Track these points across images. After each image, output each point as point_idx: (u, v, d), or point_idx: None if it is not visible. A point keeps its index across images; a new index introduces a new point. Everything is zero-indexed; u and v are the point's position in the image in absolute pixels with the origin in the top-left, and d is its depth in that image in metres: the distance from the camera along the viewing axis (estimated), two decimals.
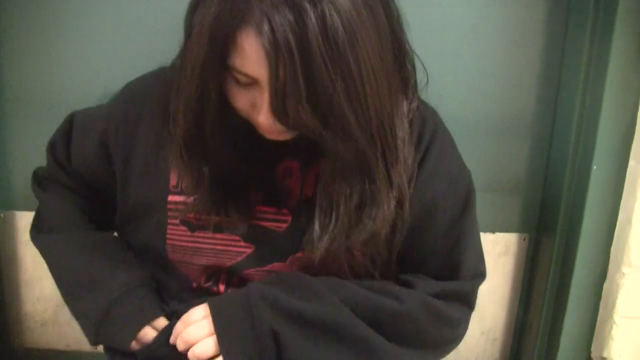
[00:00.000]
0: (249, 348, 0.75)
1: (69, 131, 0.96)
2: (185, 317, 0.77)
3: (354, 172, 0.72)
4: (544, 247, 1.57)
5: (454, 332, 0.92)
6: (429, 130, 0.86)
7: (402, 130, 0.77)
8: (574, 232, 1.43)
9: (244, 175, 0.81)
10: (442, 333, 0.89)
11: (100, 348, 1.67)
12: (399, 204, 0.79)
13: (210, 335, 0.76)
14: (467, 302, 0.93)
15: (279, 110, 0.65)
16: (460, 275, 0.90)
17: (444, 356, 0.92)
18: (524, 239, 1.62)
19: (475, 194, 0.93)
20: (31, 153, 1.48)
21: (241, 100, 0.71)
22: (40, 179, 1.01)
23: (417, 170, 0.83)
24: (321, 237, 0.77)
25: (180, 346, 0.77)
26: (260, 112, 0.68)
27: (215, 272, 0.89)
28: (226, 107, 0.72)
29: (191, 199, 0.82)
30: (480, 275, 0.95)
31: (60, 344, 1.72)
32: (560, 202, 1.46)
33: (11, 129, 1.48)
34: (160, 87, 0.84)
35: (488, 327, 1.72)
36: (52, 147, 0.98)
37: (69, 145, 0.95)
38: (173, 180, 0.84)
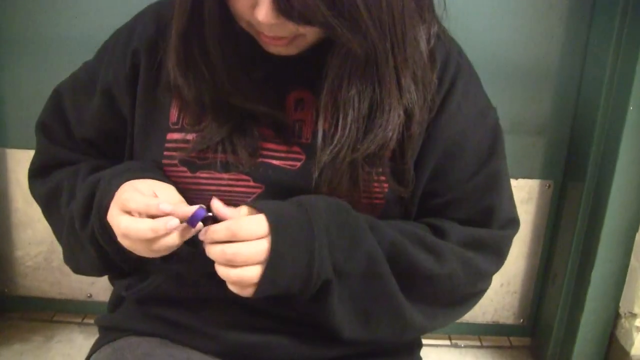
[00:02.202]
0: (295, 288, 0.69)
1: (59, 105, 0.91)
2: (238, 226, 0.66)
3: (364, 72, 0.70)
4: (570, 195, 1.53)
5: (485, 286, 0.87)
6: (453, 62, 0.81)
7: (417, 45, 0.74)
8: (605, 179, 1.37)
9: (250, 106, 0.76)
10: (474, 289, 0.85)
11: (96, 296, 1.71)
12: (409, 116, 0.74)
13: (260, 263, 0.66)
14: (500, 252, 0.87)
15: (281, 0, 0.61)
16: (492, 221, 0.84)
17: (467, 311, 0.87)
18: (549, 186, 1.58)
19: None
20: (23, 90, 1.48)
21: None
22: (37, 171, 0.93)
23: (442, 103, 0.79)
24: (324, 148, 0.72)
25: (219, 257, 0.67)
26: (261, 7, 0.63)
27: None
28: (226, 13, 0.69)
29: (192, 136, 0.77)
30: (514, 222, 0.89)
31: (53, 292, 1.72)
32: (590, 146, 1.40)
33: (2, 67, 1.47)
34: (152, 14, 0.83)
35: (508, 278, 1.68)
36: (43, 129, 0.92)
37: (65, 118, 0.90)
38: (173, 117, 0.79)
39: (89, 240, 0.77)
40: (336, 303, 0.71)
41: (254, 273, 0.66)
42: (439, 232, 0.82)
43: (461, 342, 1.73)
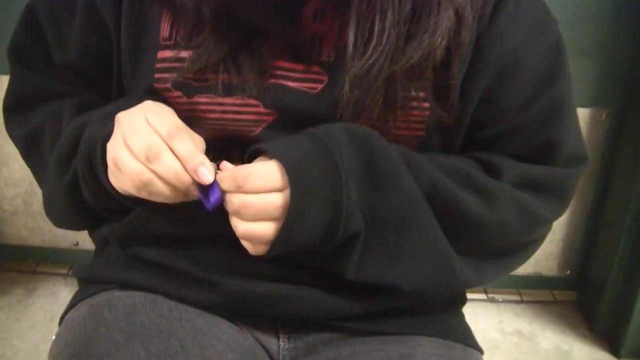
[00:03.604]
0: (316, 244, 0.65)
1: (34, 24, 0.85)
2: (245, 175, 0.62)
3: None
4: (629, 127, 1.47)
5: (543, 233, 0.83)
6: None
7: None
8: None
9: (258, 17, 0.71)
10: (530, 238, 0.81)
11: (83, 244, 1.70)
12: (459, 19, 0.70)
13: (273, 220, 0.63)
14: (564, 194, 0.82)
15: None
16: (554, 157, 0.80)
17: (521, 264, 0.83)
18: (605, 116, 1.52)
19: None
20: None
21: None
22: (14, 106, 0.87)
23: (493, 13, 0.74)
24: (355, 60, 0.67)
25: (228, 205, 0.64)
26: None
27: (223, 150, 0.75)
28: None
29: (187, 53, 0.72)
30: (581, 158, 0.84)
31: (35, 239, 1.71)
32: None
33: None
34: None
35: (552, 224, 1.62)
36: (17, 53, 0.87)
37: (42, 40, 0.84)
38: (164, 31, 0.73)
39: (66, 186, 0.74)
40: (365, 255, 0.68)
41: (265, 230, 0.63)
42: (490, 169, 0.78)
43: (499, 297, 1.72)
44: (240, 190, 0.62)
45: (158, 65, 0.75)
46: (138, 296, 0.76)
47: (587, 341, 1.55)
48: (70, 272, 1.67)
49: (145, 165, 0.61)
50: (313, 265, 0.73)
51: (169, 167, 0.61)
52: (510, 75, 0.76)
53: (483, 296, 1.69)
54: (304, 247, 0.65)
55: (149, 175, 0.62)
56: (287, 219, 0.62)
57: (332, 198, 0.64)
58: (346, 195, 0.64)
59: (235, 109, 0.73)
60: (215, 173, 0.63)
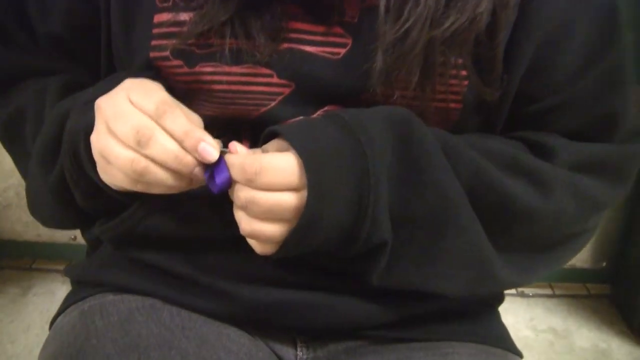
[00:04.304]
0: (332, 249, 0.61)
1: None
2: (256, 168, 0.56)
3: None
4: None
5: (599, 220, 0.78)
6: None
7: None
8: None
9: None
10: (585, 226, 0.76)
11: (79, 239, 1.60)
12: None
13: (285, 221, 0.58)
14: (625, 174, 0.77)
15: None
16: (612, 133, 0.75)
17: (572, 257, 0.78)
18: None
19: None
20: None
21: None
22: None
23: None
24: (387, 21, 0.62)
25: (234, 199, 0.59)
26: None
27: (231, 128, 0.72)
28: None
29: (188, 15, 0.66)
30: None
31: (30, 234, 1.69)
32: None
33: None
34: None
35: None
36: None
37: (22, 8, 0.79)
38: None
39: (52, 186, 0.69)
40: (394, 259, 0.63)
41: (274, 231, 0.58)
42: (540, 150, 0.73)
43: (529, 291, 1.68)
44: (250, 184, 0.56)
45: (155, 31, 0.68)
46: (134, 301, 0.71)
47: (626, 338, 1.50)
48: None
49: (137, 151, 0.56)
50: (333, 268, 0.68)
51: (166, 149, 0.56)
52: (559, 42, 0.71)
53: (513, 290, 1.67)
54: (318, 251, 0.61)
55: (143, 163, 0.56)
56: (300, 223, 0.57)
57: (355, 201, 0.59)
58: (373, 200, 0.59)
59: (244, 79, 0.66)
60: (222, 152, 0.58)
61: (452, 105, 0.69)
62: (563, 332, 1.50)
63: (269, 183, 0.56)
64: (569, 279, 1.69)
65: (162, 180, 0.57)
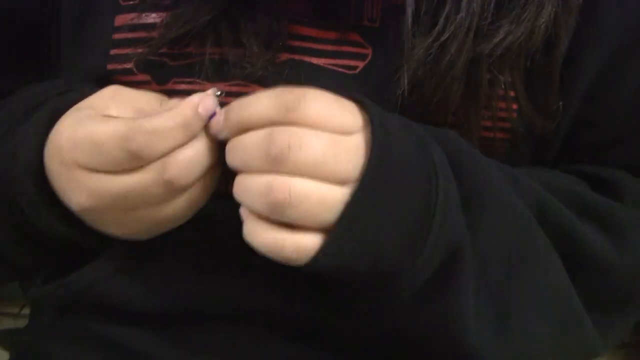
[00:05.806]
0: (385, 274, 0.51)
1: None
2: (304, 104, 0.47)
3: None
4: None
5: None
6: None
7: None
8: None
9: None
10: None
11: None
12: None
13: (323, 227, 0.47)
14: None
15: None
16: None
17: None
18: None
19: None
20: None
21: None
22: None
23: None
24: (417, 29, 0.56)
25: (267, 196, 0.48)
26: None
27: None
28: None
29: (158, 16, 0.59)
30: None
31: None
32: None
33: None
34: None
35: None
36: None
37: None
38: None
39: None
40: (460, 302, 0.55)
41: (308, 243, 0.48)
42: (604, 188, 0.69)
43: None
44: (289, 117, 0.47)
45: (116, 36, 0.62)
46: None
47: None
48: (21, 312, 1.46)
49: (143, 171, 0.50)
50: (348, 333, 0.59)
51: (163, 133, 0.50)
52: (633, 53, 0.66)
53: None
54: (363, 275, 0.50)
55: (158, 180, 0.51)
56: (349, 222, 0.48)
57: (422, 210, 0.52)
58: (441, 216, 0.51)
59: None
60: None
61: (499, 135, 0.63)
62: None
63: (317, 116, 0.47)
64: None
65: (191, 169, 0.51)
